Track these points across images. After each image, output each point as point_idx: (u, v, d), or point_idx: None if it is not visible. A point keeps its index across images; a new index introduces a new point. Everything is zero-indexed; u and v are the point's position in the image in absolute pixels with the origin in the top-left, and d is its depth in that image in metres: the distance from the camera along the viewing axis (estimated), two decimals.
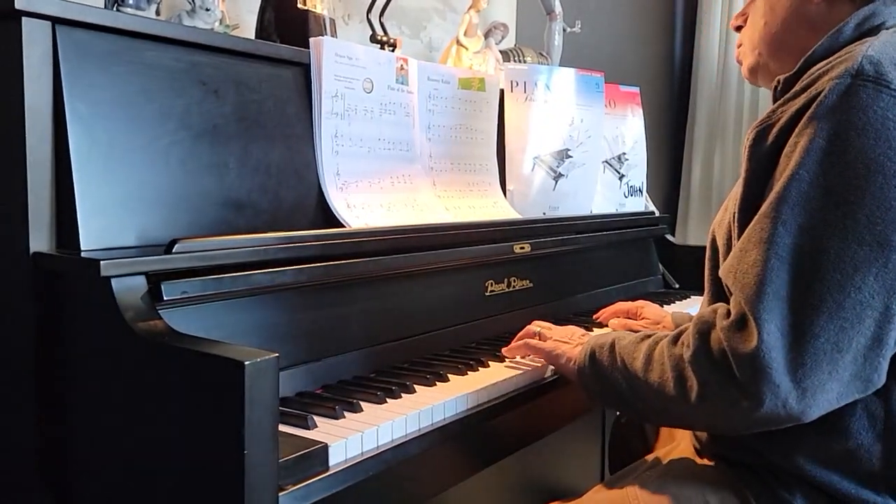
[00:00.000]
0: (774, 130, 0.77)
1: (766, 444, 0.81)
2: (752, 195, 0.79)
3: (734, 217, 0.82)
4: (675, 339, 0.80)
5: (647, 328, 1.27)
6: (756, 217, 0.75)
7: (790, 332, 0.70)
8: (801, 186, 0.73)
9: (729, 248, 0.84)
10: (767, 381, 0.69)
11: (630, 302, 1.36)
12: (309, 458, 0.72)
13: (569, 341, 0.99)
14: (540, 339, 1.03)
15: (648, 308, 1.33)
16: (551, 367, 1.05)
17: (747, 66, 0.94)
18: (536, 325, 1.07)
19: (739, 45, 0.96)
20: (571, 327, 1.06)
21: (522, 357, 1.06)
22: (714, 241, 0.90)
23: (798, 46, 0.84)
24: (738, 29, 0.96)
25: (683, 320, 1.26)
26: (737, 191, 0.83)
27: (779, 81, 0.84)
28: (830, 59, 0.78)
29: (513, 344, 1.06)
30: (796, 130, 0.75)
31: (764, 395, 0.70)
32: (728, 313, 0.75)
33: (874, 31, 0.80)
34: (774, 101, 0.85)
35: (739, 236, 0.79)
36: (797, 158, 0.73)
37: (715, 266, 0.88)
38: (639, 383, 0.82)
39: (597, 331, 1.29)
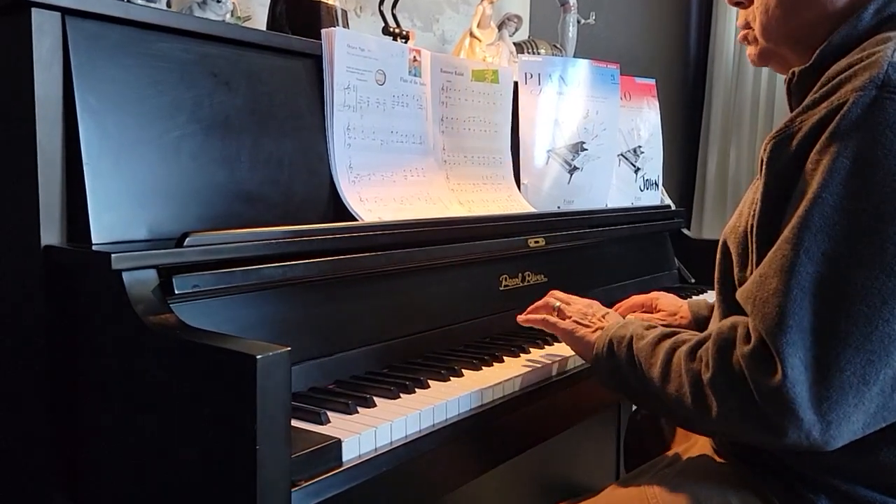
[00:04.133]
0: (794, 143, 0.74)
1: (788, 456, 0.79)
2: (771, 210, 0.75)
3: (752, 229, 0.78)
4: (694, 352, 0.78)
5: (665, 321, 1.25)
6: (777, 242, 0.72)
7: (814, 366, 0.67)
8: (824, 211, 0.69)
9: (744, 257, 0.81)
10: (791, 416, 0.67)
11: (644, 295, 1.34)
12: (322, 453, 0.71)
13: (588, 324, 0.96)
14: (559, 315, 1.00)
15: (664, 299, 1.30)
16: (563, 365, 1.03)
17: (757, 52, 0.89)
18: (555, 299, 1.03)
19: (745, 26, 0.89)
20: (592, 303, 1.02)
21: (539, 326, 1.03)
22: (725, 246, 0.86)
23: (812, 34, 0.80)
24: (738, 4, 0.89)
25: (701, 308, 1.24)
26: (753, 198, 0.80)
27: (794, 73, 0.81)
28: (851, 57, 0.74)
29: (531, 314, 1.03)
30: (818, 146, 0.71)
31: (787, 429, 0.68)
32: (747, 336, 0.72)
33: (895, 17, 0.77)
34: (788, 93, 0.82)
35: (758, 250, 0.77)
36: (820, 179, 0.69)
37: (725, 273, 0.85)
38: (655, 390, 0.81)
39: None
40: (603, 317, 0.99)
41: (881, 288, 0.67)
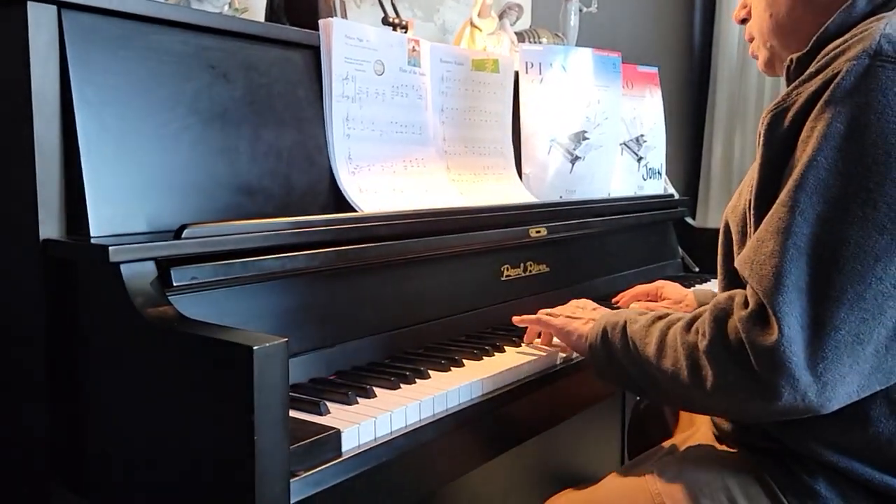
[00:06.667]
0: (790, 114, 0.75)
1: (786, 433, 0.79)
2: (768, 182, 0.76)
3: (749, 204, 0.79)
4: (689, 325, 0.78)
5: (669, 309, 1.25)
6: (773, 206, 0.73)
7: (810, 325, 0.68)
8: (818, 174, 0.70)
9: (743, 235, 0.82)
10: (786, 376, 0.68)
11: (648, 284, 1.34)
12: (321, 443, 0.71)
13: (580, 316, 0.98)
14: (550, 314, 1.02)
15: (668, 288, 1.30)
16: (564, 353, 1.03)
17: (762, 61, 0.91)
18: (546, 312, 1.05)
19: (750, 40, 0.93)
20: (583, 300, 1.05)
21: (533, 333, 1.05)
22: (727, 227, 0.87)
23: (809, 32, 0.81)
24: (743, 21, 0.93)
25: (706, 297, 1.23)
26: (752, 176, 0.80)
27: (791, 60, 0.81)
28: (845, 36, 0.75)
29: (524, 316, 1.05)
30: (813, 115, 0.72)
31: (782, 389, 0.68)
32: (745, 302, 0.73)
33: (889, 2, 0.77)
34: (787, 80, 0.83)
35: (755, 225, 0.77)
36: (814, 144, 0.71)
37: (727, 253, 0.86)
38: (651, 369, 0.81)
39: None
40: (594, 309, 1.00)
41: (874, 246, 0.68)
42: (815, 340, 0.68)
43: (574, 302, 1.04)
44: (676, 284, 1.32)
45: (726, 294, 0.77)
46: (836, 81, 0.71)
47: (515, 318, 1.06)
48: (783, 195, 0.72)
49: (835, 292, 0.68)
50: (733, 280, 0.83)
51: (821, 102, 0.72)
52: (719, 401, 0.75)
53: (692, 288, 1.33)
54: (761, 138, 0.78)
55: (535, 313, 1.08)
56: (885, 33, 0.70)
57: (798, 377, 0.67)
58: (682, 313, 0.83)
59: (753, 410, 0.73)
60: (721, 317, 0.74)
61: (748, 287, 0.73)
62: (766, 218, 0.73)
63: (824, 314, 0.68)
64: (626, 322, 0.86)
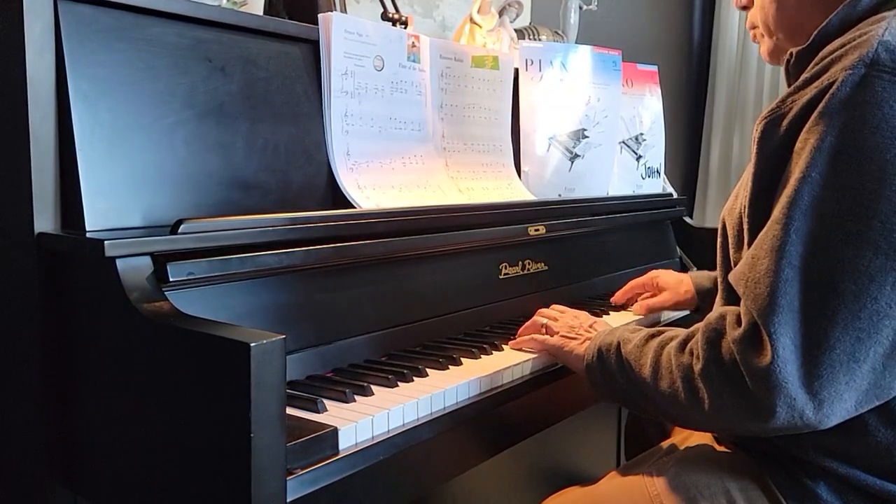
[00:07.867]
0: (784, 123, 0.74)
1: (786, 439, 0.78)
2: (762, 190, 0.76)
3: (745, 210, 0.79)
4: (683, 346, 0.78)
5: (671, 300, 1.25)
6: (768, 223, 0.72)
7: (804, 345, 0.68)
8: (813, 190, 0.69)
9: (739, 238, 0.82)
10: (783, 396, 0.67)
11: (642, 276, 1.33)
12: (318, 441, 0.70)
13: (576, 336, 0.97)
14: (547, 332, 1.01)
15: (663, 276, 1.30)
16: None
17: (766, 50, 0.91)
18: (542, 317, 1.04)
19: (753, 27, 0.92)
20: (579, 315, 1.03)
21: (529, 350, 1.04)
22: (724, 227, 0.87)
23: (813, 26, 0.79)
24: (745, 8, 0.92)
25: (703, 280, 1.23)
26: (747, 179, 0.80)
27: (791, 54, 0.81)
28: (844, 37, 0.74)
29: (519, 338, 1.04)
30: (807, 126, 0.71)
31: (779, 409, 0.68)
32: (738, 321, 0.72)
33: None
34: (786, 73, 0.82)
35: (750, 231, 0.77)
36: (808, 158, 0.70)
37: (726, 255, 0.86)
38: (648, 390, 0.80)
39: (612, 314, 1.27)
40: (590, 327, 0.99)
41: (868, 265, 0.67)
42: (810, 359, 0.67)
43: (570, 316, 1.02)
44: (670, 271, 1.32)
45: (717, 313, 0.76)
46: (831, 91, 0.69)
47: (511, 343, 1.04)
48: (777, 212, 0.71)
49: (829, 311, 0.67)
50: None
51: (815, 113, 0.70)
52: (718, 420, 0.75)
53: (689, 272, 1.33)
54: (755, 146, 0.77)
55: (533, 312, 1.07)
56: (883, 40, 0.69)
57: (794, 396, 0.67)
58: (676, 330, 0.82)
59: (752, 429, 0.73)
60: (714, 338, 0.74)
61: (742, 304, 0.72)
62: (761, 234, 0.72)
63: (819, 333, 0.67)
64: (619, 342, 0.86)
